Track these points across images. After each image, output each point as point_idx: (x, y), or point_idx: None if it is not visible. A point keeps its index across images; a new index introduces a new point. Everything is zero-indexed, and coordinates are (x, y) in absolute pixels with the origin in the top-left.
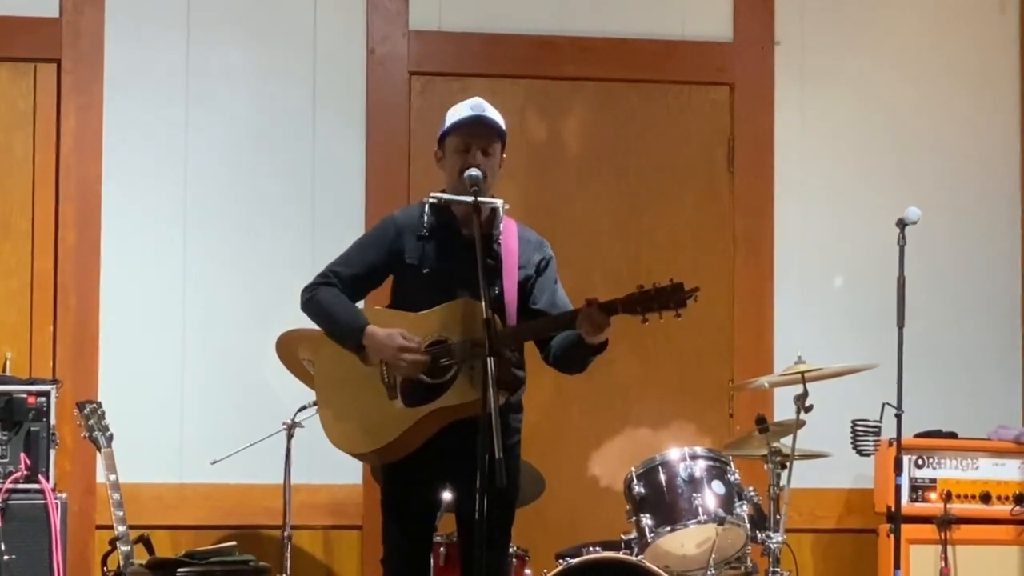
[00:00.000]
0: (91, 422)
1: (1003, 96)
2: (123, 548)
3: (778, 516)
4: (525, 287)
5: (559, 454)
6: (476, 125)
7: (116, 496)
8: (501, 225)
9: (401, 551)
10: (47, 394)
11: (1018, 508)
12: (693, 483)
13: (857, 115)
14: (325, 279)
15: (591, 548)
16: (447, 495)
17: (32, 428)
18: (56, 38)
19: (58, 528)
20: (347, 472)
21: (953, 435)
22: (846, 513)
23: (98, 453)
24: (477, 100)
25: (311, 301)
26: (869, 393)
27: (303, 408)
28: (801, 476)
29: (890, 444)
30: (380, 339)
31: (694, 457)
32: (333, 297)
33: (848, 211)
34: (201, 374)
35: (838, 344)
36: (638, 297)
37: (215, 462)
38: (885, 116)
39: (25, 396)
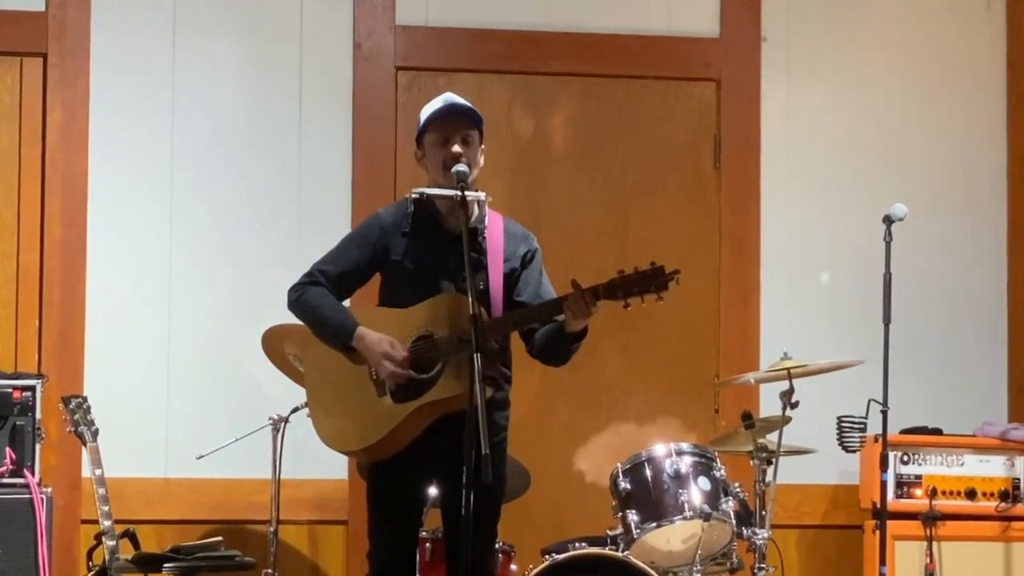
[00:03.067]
0: (76, 416)
1: (989, 92)
2: (108, 543)
3: (764, 512)
4: (511, 279)
5: (545, 450)
6: (450, 115)
7: (101, 491)
8: (486, 219)
9: (387, 546)
10: (32, 388)
11: (1003, 504)
12: (679, 479)
13: (844, 111)
14: (312, 278)
15: (577, 544)
16: (433, 491)
17: (17, 422)
18: (42, 32)
19: (43, 522)
20: (332, 467)
21: (939, 431)
22: (831, 509)
23: (83, 447)
24: (447, 93)
25: (299, 301)
26: (855, 389)
27: (296, 410)
28: (787, 472)
29: (876, 440)
30: (368, 343)
31: (680, 453)
32: (321, 297)
33: (834, 207)
34: (187, 369)
35: (824, 340)
36: (619, 282)
37: (201, 457)
38: (871, 112)
39: (10, 390)
